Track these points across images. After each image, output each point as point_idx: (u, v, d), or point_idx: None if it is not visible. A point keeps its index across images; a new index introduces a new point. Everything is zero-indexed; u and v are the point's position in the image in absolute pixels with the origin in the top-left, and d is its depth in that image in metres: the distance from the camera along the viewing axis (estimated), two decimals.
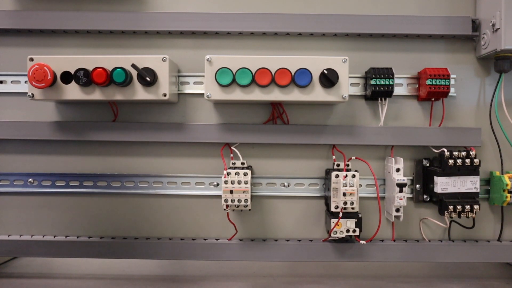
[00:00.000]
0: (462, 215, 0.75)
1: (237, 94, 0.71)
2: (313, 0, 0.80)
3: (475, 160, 0.75)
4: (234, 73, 0.70)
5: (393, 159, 0.77)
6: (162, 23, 0.78)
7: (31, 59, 0.70)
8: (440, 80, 0.75)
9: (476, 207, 0.75)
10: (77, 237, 0.81)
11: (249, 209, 0.76)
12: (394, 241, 0.81)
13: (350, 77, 0.77)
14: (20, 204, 0.82)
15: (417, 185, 0.80)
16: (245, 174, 0.74)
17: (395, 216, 0.76)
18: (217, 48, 0.80)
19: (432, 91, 0.75)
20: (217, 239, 0.81)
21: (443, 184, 0.75)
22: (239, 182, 0.74)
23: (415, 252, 0.79)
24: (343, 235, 0.74)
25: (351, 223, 0.74)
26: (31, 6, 0.80)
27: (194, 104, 0.80)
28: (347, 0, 0.80)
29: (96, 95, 0.71)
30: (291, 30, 0.79)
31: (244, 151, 0.80)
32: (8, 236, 0.81)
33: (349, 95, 0.72)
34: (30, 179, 0.81)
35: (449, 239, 0.81)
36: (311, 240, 0.81)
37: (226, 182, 0.74)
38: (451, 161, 0.74)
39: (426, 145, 0.79)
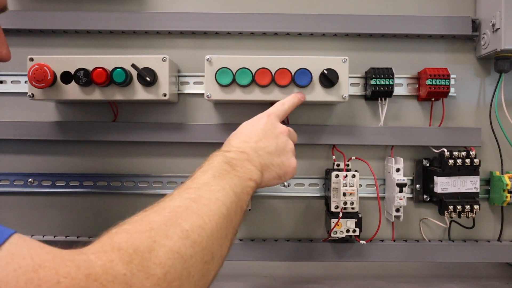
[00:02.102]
0: (462, 215, 0.75)
1: (237, 94, 0.71)
2: (313, 0, 0.80)
3: (475, 160, 0.75)
4: (234, 73, 0.70)
5: (393, 159, 0.77)
6: (162, 23, 0.78)
7: (31, 59, 0.70)
8: (440, 80, 0.75)
9: (476, 207, 0.75)
10: (77, 237, 0.81)
11: (249, 209, 0.76)
12: (394, 241, 0.81)
13: (350, 77, 0.77)
14: (20, 204, 0.82)
15: (417, 185, 0.80)
16: None
17: (395, 216, 0.76)
18: (217, 48, 0.80)
19: (432, 91, 0.75)
20: None
21: (443, 184, 0.75)
22: None
23: (415, 252, 0.79)
24: (343, 235, 0.74)
25: (351, 223, 0.74)
26: (31, 6, 0.80)
27: (194, 104, 0.80)
28: (347, 0, 0.80)
29: (96, 95, 0.71)
30: (291, 30, 0.79)
31: None
32: None
33: (349, 95, 0.72)
34: (30, 179, 0.81)
35: (449, 239, 0.81)
36: (311, 240, 0.81)
37: None
38: (451, 161, 0.74)
39: (426, 145, 0.79)
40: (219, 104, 0.80)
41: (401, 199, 0.74)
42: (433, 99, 0.78)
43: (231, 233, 0.48)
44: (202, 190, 0.48)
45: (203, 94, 0.72)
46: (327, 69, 0.70)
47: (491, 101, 0.78)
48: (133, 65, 0.70)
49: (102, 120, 0.80)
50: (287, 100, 0.67)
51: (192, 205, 0.44)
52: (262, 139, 0.59)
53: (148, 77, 0.69)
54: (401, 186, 0.74)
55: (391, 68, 0.76)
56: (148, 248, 0.37)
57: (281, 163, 0.60)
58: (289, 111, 0.67)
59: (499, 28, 0.71)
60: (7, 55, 0.60)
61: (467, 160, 0.75)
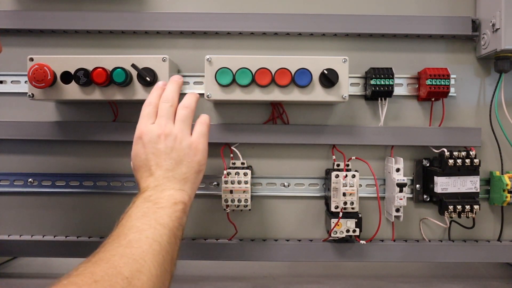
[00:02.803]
0: (462, 215, 0.75)
1: (237, 94, 0.71)
2: (313, 0, 0.80)
3: (475, 160, 0.75)
4: (234, 73, 0.70)
5: (393, 159, 0.77)
6: (162, 23, 0.78)
7: (31, 59, 0.70)
8: (440, 80, 0.75)
9: (476, 207, 0.75)
10: (77, 237, 0.81)
11: (249, 209, 0.76)
12: (394, 241, 0.81)
13: (350, 77, 0.77)
14: (20, 204, 0.82)
15: (417, 185, 0.80)
16: (245, 174, 0.74)
17: (395, 216, 0.76)
18: (217, 48, 0.80)
19: (432, 91, 0.75)
20: (217, 239, 0.81)
21: (443, 184, 0.75)
22: (239, 182, 0.74)
23: (415, 252, 0.79)
24: (343, 235, 0.74)
25: (351, 223, 0.74)
26: (31, 6, 0.80)
27: None
28: (347, 0, 0.80)
29: (96, 95, 0.71)
30: (291, 30, 0.79)
31: (244, 151, 0.80)
32: (8, 236, 0.81)
33: (349, 95, 0.72)
34: (30, 179, 0.81)
35: (449, 239, 0.81)
36: (311, 240, 0.81)
37: (226, 182, 0.74)
38: (451, 161, 0.74)
39: (426, 145, 0.79)
40: (219, 104, 0.80)
41: (401, 199, 0.74)
42: (433, 99, 0.78)
43: (169, 265, 0.49)
44: (130, 234, 0.49)
45: (203, 94, 0.72)
46: (327, 69, 0.70)
47: (491, 101, 0.78)
48: (133, 65, 0.70)
49: (102, 120, 0.80)
50: (152, 98, 0.63)
51: (125, 251, 0.46)
52: (157, 162, 0.57)
53: (148, 77, 0.70)
54: (401, 186, 0.74)
55: (391, 68, 0.76)
56: None
57: (188, 164, 0.58)
58: (157, 106, 0.62)
59: (499, 28, 0.71)
60: None
61: (467, 160, 0.75)
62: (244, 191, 0.75)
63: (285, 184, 0.81)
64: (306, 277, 0.84)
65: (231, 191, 0.74)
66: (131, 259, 0.45)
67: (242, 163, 0.79)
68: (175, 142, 0.58)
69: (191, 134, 0.60)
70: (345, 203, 0.72)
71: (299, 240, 0.81)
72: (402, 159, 0.75)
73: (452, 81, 0.78)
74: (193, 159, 0.58)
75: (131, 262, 0.44)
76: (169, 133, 0.58)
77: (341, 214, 0.73)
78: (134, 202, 0.54)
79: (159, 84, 0.64)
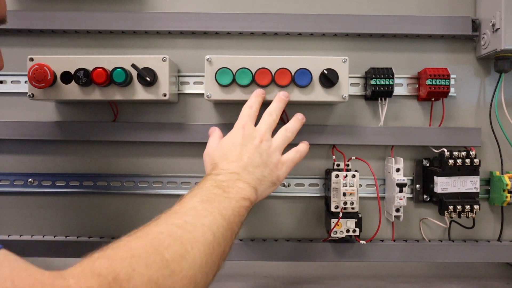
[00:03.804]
0: (462, 215, 0.75)
1: (237, 94, 0.71)
2: (313, 0, 0.80)
3: (475, 160, 0.75)
4: (234, 73, 0.70)
5: (393, 159, 0.77)
6: (162, 23, 0.78)
7: (31, 59, 0.70)
8: (440, 80, 0.75)
9: (476, 207, 0.75)
10: (77, 237, 0.81)
11: None
12: (394, 241, 0.81)
13: (350, 77, 0.77)
14: (20, 204, 0.82)
15: (417, 185, 0.80)
16: None
17: (395, 216, 0.76)
18: (217, 48, 0.80)
19: (432, 91, 0.75)
20: None
21: (443, 184, 0.75)
22: None
23: (415, 252, 0.79)
24: (343, 235, 0.74)
25: (351, 223, 0.74)
26: (31, 6, 0.80)
27: (194, 104, 0.80)
28: (347, 0, 0.80)
29: (96, 95, 0.71)
30: (291, 30, 0.79)
31: None
32: (8, 236, 0.81)
33: (349, 95, 0.72)
34: (30, 179, 0.81)
35: (449, 239, 0.81)
36: (311, 240, 0.81)
37: None
38: (451, 161, 0.74)
39: (426, 145, 0.79)
40: (219, 104, 0.80)
41: (401, 199, 0.74)
42: (433, 99, 0.78)
43: (218, 259, 0.48)
44: (188, 215, 0.48)
45: (203, 94, 0.72)
46: (327, 69, 0.70)
47: (491, 101, 0.78)
48: (133, 65, 0.70)
49: (102, 120, 0.80)
50: (253, 102, 0.67)
51: (176, 232, 0.44)
52: (245, 154, 0.60)
53: (148, 77, 0.69)
54: (401, 186, 0.74)
55: (391, 68, 0.76)
56: (127, 276, 0.38)
57: (271, 171, 0.61)
58: (257, 112, 0.67)
59: (499, 28, 0.71)
60: (1, 65, 0.58)
61: (467, 160, 0.75)
62: None
63: (285, 184, 0.81)
64: (306, 277, 0.84)
65: None
66: (178, 242, 0.43)
67: None
68: (268, 149, 0.62)
69: (283, 154, 0.64)
70: (345, 203, 0.72)
71: (299, 240, 0.81)
72: (402, 159, 0.75)
73: (452, 81, 0.78)
74: (275, 172, 0.61)
75: (177, 245, 0.43)
76: (266, 139, 0.62)
77: (341, 214, 0.73)
78: (203, 181, 0.54)
79: (258, 92, 0.68)
